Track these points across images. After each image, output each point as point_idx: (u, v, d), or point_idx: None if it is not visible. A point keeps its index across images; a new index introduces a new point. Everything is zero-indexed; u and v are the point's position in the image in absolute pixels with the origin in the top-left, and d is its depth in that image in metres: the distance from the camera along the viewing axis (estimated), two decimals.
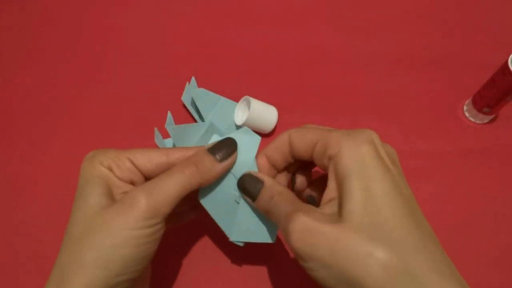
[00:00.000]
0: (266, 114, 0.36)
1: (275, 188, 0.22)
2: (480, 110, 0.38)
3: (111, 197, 0.22)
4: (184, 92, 0.37)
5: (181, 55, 0.43)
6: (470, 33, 0.47)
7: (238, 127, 0.37)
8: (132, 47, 0.44)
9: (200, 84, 0.39)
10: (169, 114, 0.32)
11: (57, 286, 0.20)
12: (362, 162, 0.18)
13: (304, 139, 0.21)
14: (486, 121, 0.39)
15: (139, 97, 0.40)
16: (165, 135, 0.35)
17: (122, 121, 0.38)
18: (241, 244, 0.25)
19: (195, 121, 0.37)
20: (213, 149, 0.23)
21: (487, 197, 0.35)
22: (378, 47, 0.45)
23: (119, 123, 0.38)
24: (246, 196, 0.23)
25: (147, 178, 0.24)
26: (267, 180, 0.22)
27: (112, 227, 0.20)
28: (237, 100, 0.38)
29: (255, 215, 0.24)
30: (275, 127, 0.37)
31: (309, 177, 0.25)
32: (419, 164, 0.36)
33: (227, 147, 0.24)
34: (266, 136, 0.37)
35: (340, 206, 0.18)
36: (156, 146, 0.36)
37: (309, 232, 0.18)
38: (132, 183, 0.23)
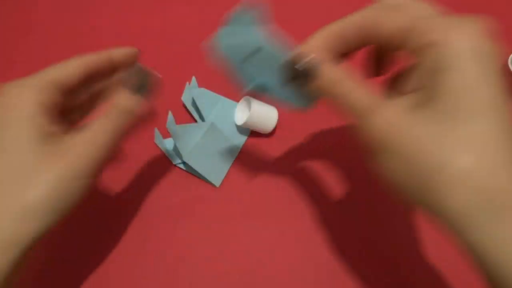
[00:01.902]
0: (267, 114, 0.36)
1: (337, 72, 0.20)
2: None
3: (44, 139, 0.21)
4: (184, 92, 0.37)
5: (181, 55, 0.43)
6: None
7: (238, 127, 0.37)
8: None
9: (200, 84, 0.39)
10: (170, 114, 0.32)
11: None
12: (470, 59, 0.16)
13: (395, 19, 0.19)
14: None
15: None
16: (165, 135, 0.35)
17: None
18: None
19: (195, 121, 0.37)
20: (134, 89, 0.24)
21: None
22: None
23: None
24: (297, 79, 0.21)
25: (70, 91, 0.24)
26: (324, 61, 0.20)
27: (48, 176, 0.21)
28: (237, 100, 0.38)
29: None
30: (275, 127, 0.37)
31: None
32: None
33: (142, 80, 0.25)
34: (266, 136, 0.37)
35: (428, 100, 0.17)
36: (156, 147, 0.36)
37: (392, 127, 0.17)
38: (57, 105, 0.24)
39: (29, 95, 0.22)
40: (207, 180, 0.34)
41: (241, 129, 0.37)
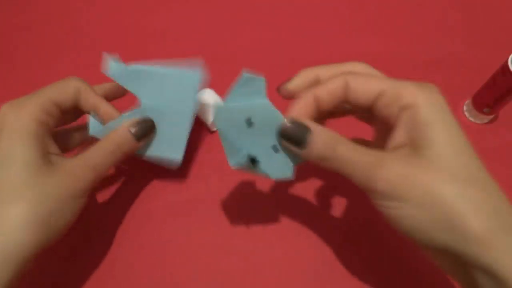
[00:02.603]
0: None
1: (330, 135, 0.21)
2: (480, 110, 0.38)
3: (44, 158, 0.23)
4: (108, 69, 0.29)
5: (178, 52, 0.43)
6: (470, 33, 0.47)
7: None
8: (131, 47, 0.44)
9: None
10: (89, 117, 0.28)
11: None
12: (442, 114, 0.20)
13: (367, 86, 0.21)
14: (486, 121, 0.39)
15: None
16: None
17: None
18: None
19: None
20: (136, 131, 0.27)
21: None
22: (377, 48, 0.45)
23: None
24: (291, 144, 0.22)
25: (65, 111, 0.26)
26: (315, 126, 0.22)
27: (50, 191, 0.22)
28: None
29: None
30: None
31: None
32: None
33: (147, 127, 0.28)
34: None
35: (417, 150, 0.20)
36: None
37: (403, 176, 0.19)
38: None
39: (29, 111, 0.23)
40: (166, 160, 0.31)
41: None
